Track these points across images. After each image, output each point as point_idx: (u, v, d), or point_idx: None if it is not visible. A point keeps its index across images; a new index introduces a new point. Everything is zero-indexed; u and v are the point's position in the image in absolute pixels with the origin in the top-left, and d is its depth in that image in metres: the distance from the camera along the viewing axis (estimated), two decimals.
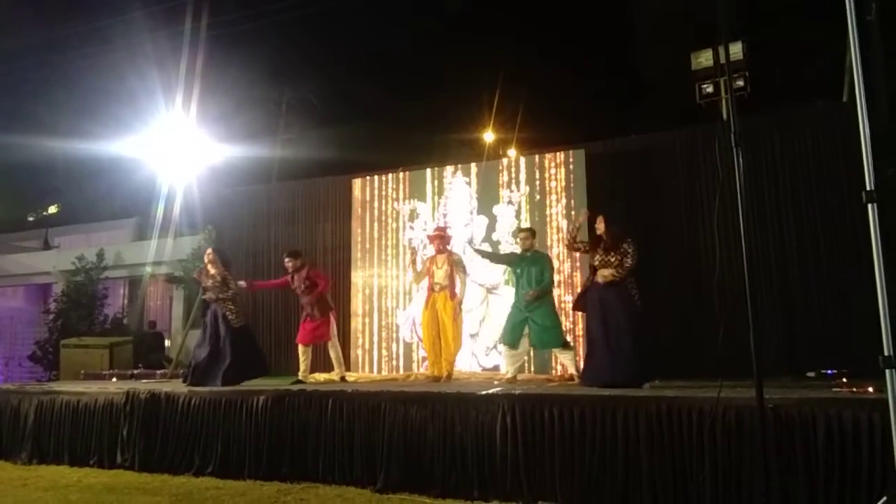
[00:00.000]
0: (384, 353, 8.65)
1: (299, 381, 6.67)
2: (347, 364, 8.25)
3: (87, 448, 6.06)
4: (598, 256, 5.66)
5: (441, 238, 7.00)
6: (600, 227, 5.75)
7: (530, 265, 6.39)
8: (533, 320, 6.21)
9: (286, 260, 7.10)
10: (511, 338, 6.40)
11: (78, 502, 4.79)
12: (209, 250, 6.95)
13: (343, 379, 7.08)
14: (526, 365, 7.48)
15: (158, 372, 8.86)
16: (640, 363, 5.18)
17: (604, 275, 5.52)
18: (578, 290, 6.71)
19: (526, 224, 7.89)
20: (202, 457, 5.52)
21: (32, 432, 6.34)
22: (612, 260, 5.54)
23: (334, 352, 7.12)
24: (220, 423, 5.52)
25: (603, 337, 5.38)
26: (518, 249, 6.73)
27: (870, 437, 3.57)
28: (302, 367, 6.97)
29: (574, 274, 7.67)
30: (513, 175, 8.32)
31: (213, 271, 6.68)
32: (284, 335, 9.45)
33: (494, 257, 7.21)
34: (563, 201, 7.97)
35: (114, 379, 8.51)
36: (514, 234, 7.51)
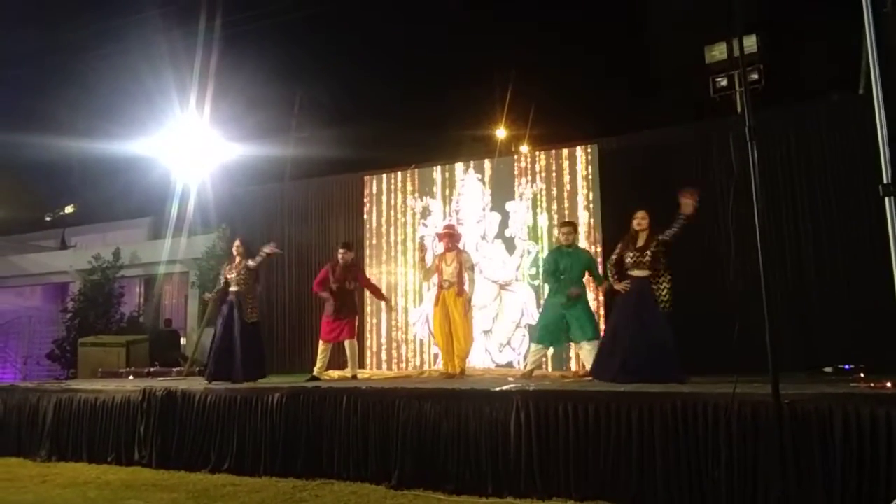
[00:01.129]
0: (394, 352, 8.66)
1: (314, 378, 6.70)
2: (361, 362, 8.29)
3: (105, 445, 6.12)
4: (630, 254, 5.53)
5: (451, 236, 7.01)
6: (643, 223, 5.57)
7: (572, 260, 6.19)
8: (572, 315, 6.05)
9: (342, 251, 7.11)
10: (552, 338, 6.22)
11: (96, 499, 4.83)
12: (237, 242, 6.90)
13: (354, 377, 7.10)
14: (543, 361, 7.46)
15: (174, 370, 8.93)
16: (676, 363, 5.14)
17: (637, 274, 5.45)
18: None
19: (543, 219, 7.88)
20: (218, 454, 5.55)
21: (51, 430, 6.41)
22: (645, 259, 5.46)
23: (351, 350, 7.13)
24: (235, 421, 5.55)
25: (636, 335, 5.29)
26: (531, 246, 6.66)
27: (888, 433, 3.54)
28: (319, 363, 6.98)
29: None
30: (526, 170, 8.31)
31: (240, 262, 6.69)
32: (298, 332, 9.51)
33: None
34: (579, 196, 7.94)
35: (130, 377, 8.60)
36: (558, 227, 6.99)
